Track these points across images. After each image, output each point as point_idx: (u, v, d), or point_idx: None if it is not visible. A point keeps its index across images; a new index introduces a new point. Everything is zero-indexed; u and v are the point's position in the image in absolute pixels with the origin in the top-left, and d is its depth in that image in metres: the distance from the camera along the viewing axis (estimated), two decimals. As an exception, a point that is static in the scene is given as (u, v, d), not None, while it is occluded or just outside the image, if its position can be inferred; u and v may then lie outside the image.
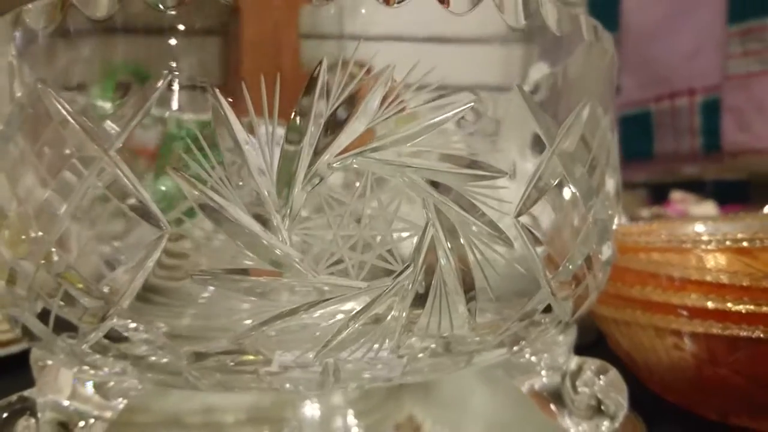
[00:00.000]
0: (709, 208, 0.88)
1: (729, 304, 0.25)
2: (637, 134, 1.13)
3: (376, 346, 0.19)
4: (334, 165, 0.17)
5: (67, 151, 0.18)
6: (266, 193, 0.17)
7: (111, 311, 0.18)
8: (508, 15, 0.18)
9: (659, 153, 1.11)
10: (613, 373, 0.25)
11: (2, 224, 0.20)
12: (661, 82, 1.06)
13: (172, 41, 0.17)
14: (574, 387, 0.25)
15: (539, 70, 0.20)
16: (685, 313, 0.26)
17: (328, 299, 0.18)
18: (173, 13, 0.16)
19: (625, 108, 1.12)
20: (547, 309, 0.22)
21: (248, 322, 0.18)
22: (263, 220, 0.17)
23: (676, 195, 0.97)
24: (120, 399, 0.23)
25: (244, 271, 0.17)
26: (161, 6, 0.16)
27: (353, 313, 0.18)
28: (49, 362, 0.23)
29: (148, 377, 0.20)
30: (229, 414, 0.30)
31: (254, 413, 0.30)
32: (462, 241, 0.18)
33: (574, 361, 0.26)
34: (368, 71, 0.16)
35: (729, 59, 0.97)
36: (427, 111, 0.17)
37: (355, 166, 0.17)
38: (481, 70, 0.20)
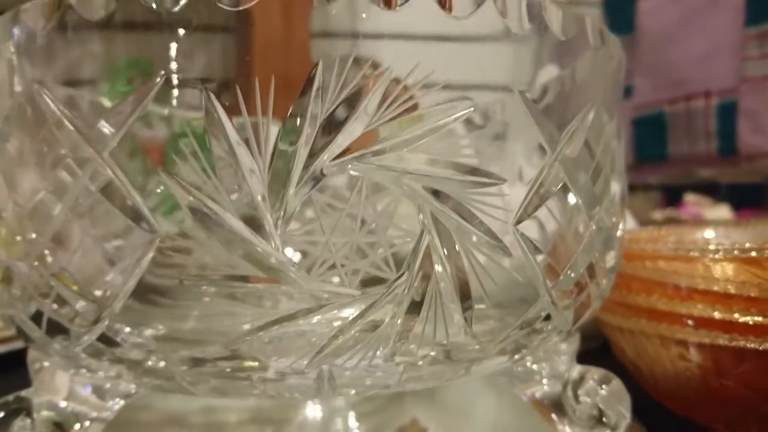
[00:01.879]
0: (723, 211, 0.87)
1: (736, 315, 0.24)
2: (651, 136, 1.11)
3: (370, 353, 0.18)
4: (331, 169, 0.16)
5: (63, 152, 0.18)
6: (259, 196, 0.16)
7: (103, 314, 0.18)
8: (511, 19, 0.18)
9: (673, 155, 1.10)
10: (616, 382, 0.25)
11: (-1, 224, 0.20)
12: (676, 85, 1.05)
13: (169, 40, 0.17)
14: (575, 396, 0.25)
15: (547, 73, 0.20)
16: (690, 322, 0.25)
17: (324, 306, 0.17)
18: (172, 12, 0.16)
19: (639, 110, 1.11)
20: (548, 317, 0.22)
21: (246, 326, 0.18)
22: (256, 226, 0.16)
23: (691, 197, 0.95)
24: (117, 399, 0.23)
25: (243, 278, 0.17)
26: (158, 8, 0.16)
27: (344, 321, 0.18)
28: (46, 363, 0.23)
29: (143, 382, 0.20)
30: (232, 414, 0.30)
31: (257, 413, 0.30)
32: (458, 249, 0.17)
33: (576, 370, 0.25)
34: (370, 70, 0.16)
35: (746, 61, 0.96)
36: (430, 113, 0.17)
37: (351, 172, 0.16)
38: (487, 71, 0.19)
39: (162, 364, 0.20)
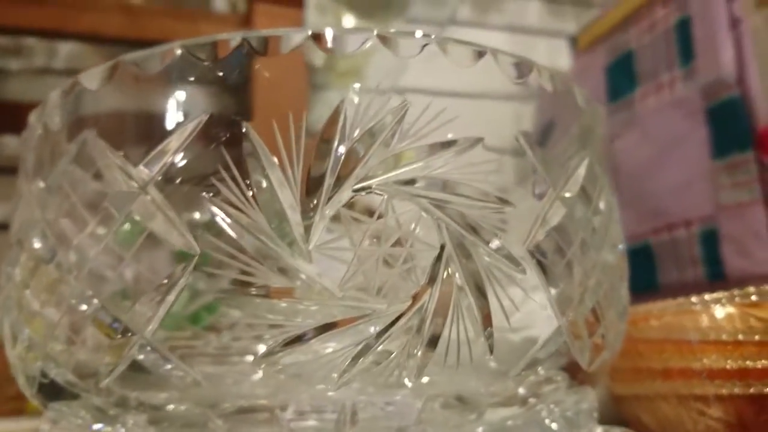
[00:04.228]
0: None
1: (748, 362, 0.24)
2: (639, 267, 1.13)
3: (393, 379, 0.19)
4: (354, 191, 0.18)
5: (105, 195, 0.20)
6: (292, 220, 0.18)
7: (133, 344, 0.18)
8: (505, 73, 0.21)
9: (664, 285, 1.11)
10: (640, 439, 0.25)
11: (36, 273, 0.21)
12: (658, 215, 1.09)
13: (209, 89, 0.19)
14: (600, 458, 0.24)
15: (536, 127, 0.22)
16: (705, 375, 0.25)
17: (340, 324, 0.18)
18: (211, 65, 0.19)
19: (625, 242, 1.14)
20: (555, 361, 0.22)
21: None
22: (290, 243, 0.18)
23: (687, 324, 0.96)
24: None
25: (266, 294, 0.18)
26: (205, 61, 0.19)
27: (370, 338, 0.18)
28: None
29: (165, 428, 0.20)
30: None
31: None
32: (477, 263, 0.18)
33: (599, 430, 0.25)
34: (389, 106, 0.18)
35: (720, 190, 1.01)
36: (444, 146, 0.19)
37: (376, 192, 0.18)
38: (487, 124, 0.21)
39: (184, 407, 0.20)
